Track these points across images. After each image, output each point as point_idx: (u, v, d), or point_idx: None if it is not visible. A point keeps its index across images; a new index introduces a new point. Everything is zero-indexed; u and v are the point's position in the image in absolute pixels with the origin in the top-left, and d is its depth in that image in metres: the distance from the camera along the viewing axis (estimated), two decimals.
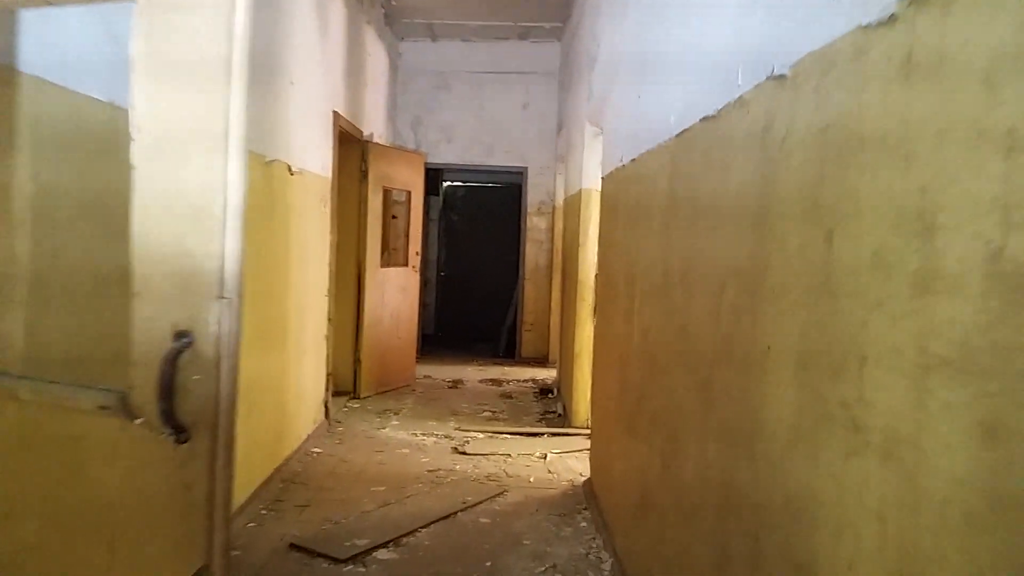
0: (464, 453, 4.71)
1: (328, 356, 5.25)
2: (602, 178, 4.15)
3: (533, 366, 8.00)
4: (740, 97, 1.82)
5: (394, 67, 7.81)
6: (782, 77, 1.57)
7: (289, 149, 4.12)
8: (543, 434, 5.19)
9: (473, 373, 7.54)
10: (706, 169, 2.11)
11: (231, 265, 1.19)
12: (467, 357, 8.45)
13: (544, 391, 6.65)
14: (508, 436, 5.18)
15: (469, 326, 10.03)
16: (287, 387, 4.29)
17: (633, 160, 3.20)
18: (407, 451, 4.76)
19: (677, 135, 2.47)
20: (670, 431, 2.38)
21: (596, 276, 5.12)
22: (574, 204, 5.75)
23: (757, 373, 1.62)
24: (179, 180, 1.25)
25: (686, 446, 2.17)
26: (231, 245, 1.20)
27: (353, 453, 4.69)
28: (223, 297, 1.17)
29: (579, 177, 5.43)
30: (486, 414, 5.84)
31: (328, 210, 5.12)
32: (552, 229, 8.16)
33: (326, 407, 5.24)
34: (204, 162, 1.22)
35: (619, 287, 3.45)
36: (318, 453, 4.64)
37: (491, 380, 7.18)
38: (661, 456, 2.48)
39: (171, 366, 1.19)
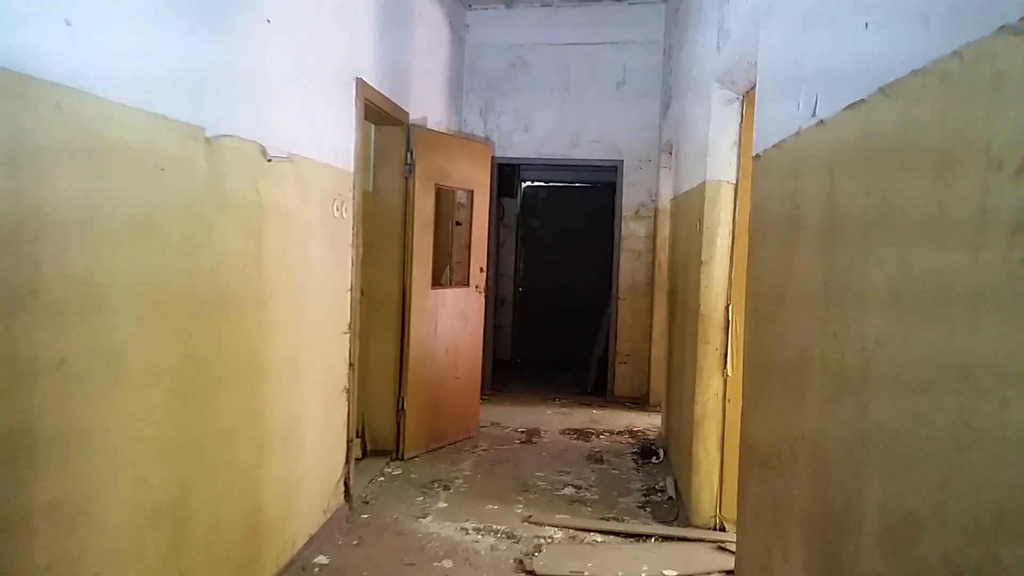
0: (533, 574, 3.17)
1: (350, 415, 3.82)
2: (756, 156, 2.54)
3: (629, 408, 6.39)
4: None
5: (458, 39, 6.37)
6: None
7: (264, 122, 2.71)
8: (651, 537, 3.59)
9: (554, 419, 5.99)
10: None
11: None
12: (547, 394, 6.90)
13: (646, 452, 5.04)
14: (599, 537, 3.61)
15: (552, 352, 8.50)
16: (265, 481, 2.87)
17: (854, 105, 1.60)
18: (450, 566, 3.26)
19: None
20: None
21: (733, 307, 3.51)
22: (690, 204, 4.14)
23: None
24: None
25: None
26: None
27: (373, 567, 3.22)
28: None
29: (701, 165, 3.83)
30: (568, 490, 4.29)
31: (350, 215, 3.69)
32: (654, 237, 6.53)
33: (346, 486, 3.81)
34: None
35: (806, 331, 1.86)
36: (322, 567, 3.20)
37: (575, 431, 5.61)
38: None
39: None
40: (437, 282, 5.41)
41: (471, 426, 5.40)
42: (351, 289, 3.77)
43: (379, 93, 4.10)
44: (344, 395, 3.75)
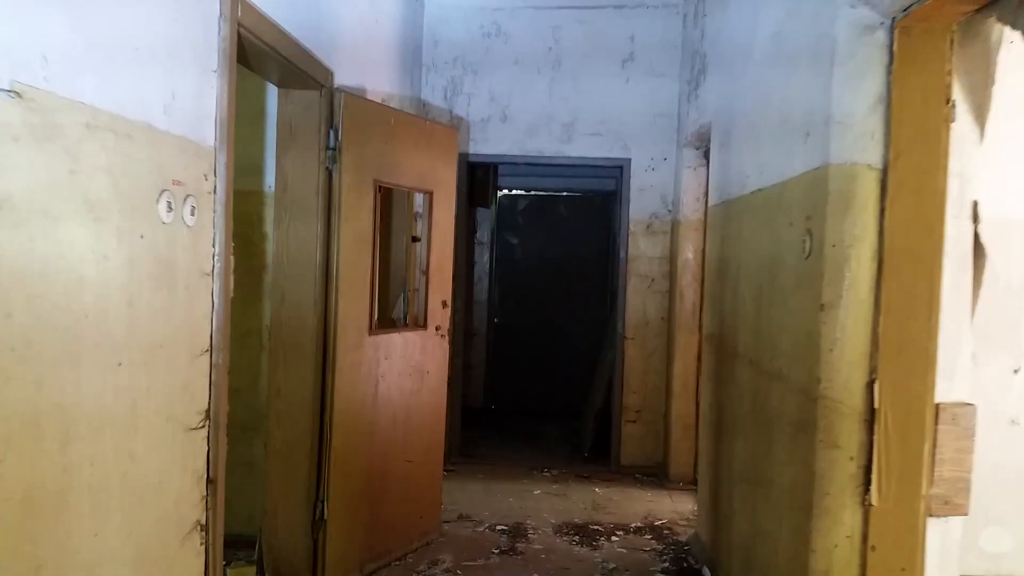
0: None
1: (210, 570, 2.20)
2: None
3: (642, 484, 4.82)
4: None
5: None
6: None
7: None
8: None
9: (544, 504, 4.40)
10: None
11: None
12: (533, 459, 5.31)
13: (686, 573, 3.47)
14: None
15: (535, 398, 6.91)
16: None
17: None
18: None
19: None
20: None
21: (883, 386, 1.98)
22: (778, 207, 2.63)
23: None
24: None
25: None
26: None
27: None
28: None
29: (809, 144, 2.31)
30: None
31: (208, 221, 2.11)
32: (673, 258, 5.00)
33: None
34: None
35: None
36: None
37: (576, 529, 4.02)
38: None
39: None
40: (385, 321, 3.85)
41: (429, 527, 3.80)
42: (209, 350, 2.17)
43: (275, 27, 2.52)
44: (196, 537, 2.14)
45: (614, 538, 3.91)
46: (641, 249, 5.11)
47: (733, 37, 3.49)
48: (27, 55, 1.38)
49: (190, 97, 2.00)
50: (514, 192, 7.18)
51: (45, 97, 1.42)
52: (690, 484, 4.58)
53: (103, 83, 1.61)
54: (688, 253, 4.76)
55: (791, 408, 2.33)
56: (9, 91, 1.33)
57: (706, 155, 4.56)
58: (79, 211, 1.55)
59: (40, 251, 1.44)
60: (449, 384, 3.99)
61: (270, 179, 3.08)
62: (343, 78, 3.27)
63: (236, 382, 3.39)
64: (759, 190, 2.82)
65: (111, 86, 1.64)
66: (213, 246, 2.16)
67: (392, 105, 4.11)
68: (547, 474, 5.01)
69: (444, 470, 4.01)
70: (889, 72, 2.05)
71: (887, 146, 2.04)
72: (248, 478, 3.41)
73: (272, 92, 3.10)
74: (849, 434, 2.06)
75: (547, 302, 7.00)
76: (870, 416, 2.04)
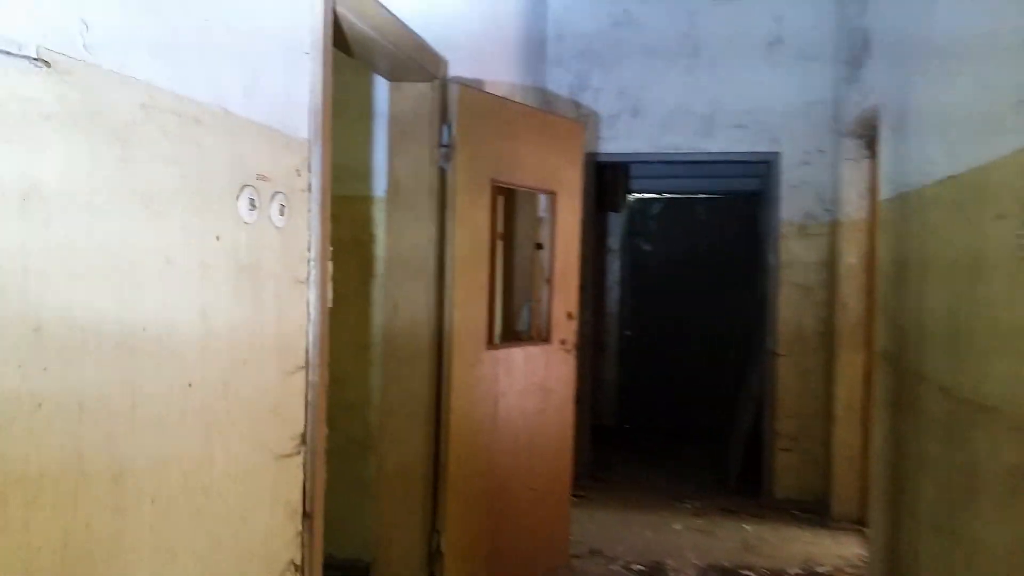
0: None
1: None
2: None
3: (800, 522, 4.24)
4: None
5: None
6: None
7: None
8: None
9: (686, 541, 3.95)
10: None
11: None
12: (671, 488, 4.85)
13: None
14: None
15: (671, 417, 6.42)
16: None
17: None
18: None
19: None
20: None
21: None
22: (993, 190, 2.11)
23: None
24: None
25: None
26: None
27: None
28: None
29: None
30: None
31: (302, 222, 1.87)
32: (832, 264, 4.41)
33: None
34: None
35: None
36: None
37: (724, 572, 3.54)
38: None
39: None
40: (508, 335, 3.56)
41: (556, 562, 3.45)
42: (304, 367, 1.93)
43: (379, 7, 2.28)
44: None
45: None
46: (794, 254, 4.55)
47: (906, 1, 2.95)
48: (62, 18, 1.16)
49: (277, 81, 1.77)
50: (646, 195, 6.75)
51: (85, 69, 1.20)
52: (856, 523, 3.99)
53: (162, 57, 1.38)
54: (852, 257, 4.18)
55: (1008, 451, 1.81)
56: (36, 59, 1.11)
57: (870, 145, 4.00)
58: (132, 206, 1.32)
59: (80, 251, 1.22)
60: (577, 402, 3.65)
61: (379, 182, 2.86)
62: (458, 69, 3.01)
63: (350, 397, 3.20)
64: (951, 177, 2.29)
65: (173, 61, 1.41)
66: (308, 250, 1.93)
67: (512, 99, 3.82)
68: (688, 505, 4.53)
69: (573, 495, 3.66)
70: None
71: None
72: (362, 499, 3.21)
73: (381, 88, 2.88)
74: None
75: (684, 313, 6.50)
76: None
